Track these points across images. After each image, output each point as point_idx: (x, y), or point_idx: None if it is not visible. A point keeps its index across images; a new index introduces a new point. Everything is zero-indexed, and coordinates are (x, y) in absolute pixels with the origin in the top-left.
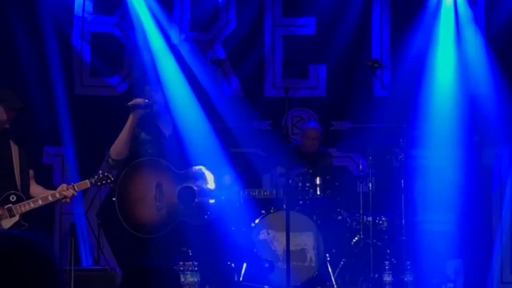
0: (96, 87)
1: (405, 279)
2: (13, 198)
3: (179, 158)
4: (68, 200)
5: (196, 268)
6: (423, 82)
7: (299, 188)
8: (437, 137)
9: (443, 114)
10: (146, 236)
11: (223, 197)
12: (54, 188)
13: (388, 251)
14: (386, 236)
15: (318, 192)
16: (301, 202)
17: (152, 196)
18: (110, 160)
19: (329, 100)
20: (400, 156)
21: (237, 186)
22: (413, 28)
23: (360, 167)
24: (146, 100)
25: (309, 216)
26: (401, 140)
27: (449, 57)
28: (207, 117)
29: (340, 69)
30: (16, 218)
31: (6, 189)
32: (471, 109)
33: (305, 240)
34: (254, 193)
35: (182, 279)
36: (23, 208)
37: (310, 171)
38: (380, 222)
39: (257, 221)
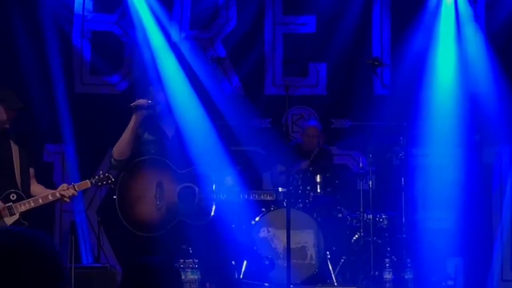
0: (96, 85)
1: (406, 276)
2: (13, 196)
3: (181, 159)
4: (67, 200)
5: (196, 266)
6: (424, 80)
7: (299, 186)
8: (438, 135)
9: (443, 112)
10: (145, 234)
11: (223, 197)
12: (54, 185)
13: (389, 248)
14: (386, 234)
15: (319, 190)
16: (301, 200)
17: (152, 195)
18: (112, 160)
19: (329, 98)
20: (400, 154)
21: (238, 187)
22: (414, 26)
23: (361, 165)
24: (149, 101)
25: (309, 214)
26: (401, 138)
27: (450, 55)
28: (208, 115)
29: (340, 67)
30: (16, 217)
31: (7, 188)
32: (471, 107)
33: (306, 238)
34: (254, 195)
35: (183, 277)
36: (23, 207)
37: (311, 168)
38: (381, 220)
39: (257, 219)
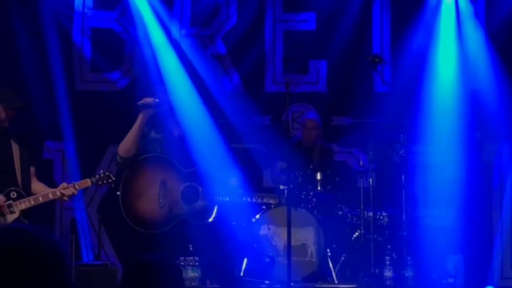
0: (97, 83)
1: (406, 274)
2: (13, 194)
3: (186, 158)
4: (67, 199)
5: (196, 263)
6: (424, 77)
7: (300, 184)
8: (438, 133)
9: (444, 110)
10: (147, 231)
11: (227, 199)
12: (54, 182)
13: (389, 246)
14: (386, 232)
15: (319, 188)
16: (301, 197)
17: (155, 193)
18: (117, 157)
19: (330, 96)
20: (400, 152)
21: (241, 190)
22: (414, 23)
23: (361, 162)
24: (156, 100)
25: (310, 212)
26: (401, 135)
27: (450, 52)
28: (209, 113)
29: (341, 64)
30: (16, 215)
31: (7, 186)
32: (471, 104)
33: (306, 235)
34: (257, 198)
35: (183, 274)
36: (23, 205)
37: (311, 166)
38: (381, 217)
39: (257, 216)
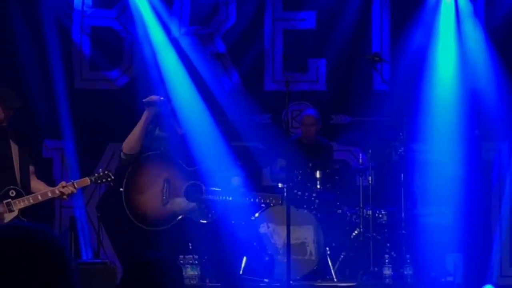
0: (96, 81)
1: (405, 272)
2: (12, 193)
3: (189, 156)
4: (66, 197)
5: (196, 262)
6: (423, 75)
7: (299, 182)
8: (437, 131)
9: (443, 108)
10: (149, 228)
11: (230, 198)
12: (53, 181)
13: (388, 244)
14: (385, 230)
15: (318, 186)
16: (301, 196)
17: (159, 190)
18: (122, 154)
19: (329, 94)
20: (400, 150)
21: (244, 189)
22: (413, 22)
23: (360, 160)
24: (161, 98)
25: (309, 210)
26: (401, 133)
27: (449, 51)
28: (208, 111)
29: (340, 63)
30: (15, 213)
31: (6, 185)
32: (471, 103)
33: (305, 234)
34: (260, 199)
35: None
36: (22, 204)
37: (310, 164)
38: (380, 215)
39: (257, 214)
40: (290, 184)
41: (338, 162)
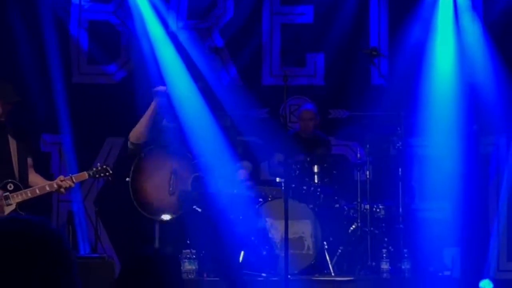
0: (94, 75)
1: (402, 267)
2: (10, 186)
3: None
4: (63, 191)
5: (194, 256)
6: (421, 70)
7: (297, 176)
8: (435, 126)
9: (441, 103)
10: (155, 218)
11: (235, 191)
12: (51, 175)
13: (386, 239)
14: (383, 224)
15: (316, 180)
16: (299, 190)
17: (166, 180)
18: (129, 143)
19: (327, 89)
20: (397, 145)
21: (249, 182)
22: (411, 16)
23: (358, 155)
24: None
25: (306, 204)
26: (398, 128)
27: (447, 45)
28: (207, 105)
29: (338, 58)
30: (13, 207)
31: (4, 178)
32: (469, 97)
33: (303, 228)
34: (263, 191)
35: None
36: (20, 197)
37: (308, 159)
38: (378, 210)
39: None
40: (288, 178)
41: (336, 157)
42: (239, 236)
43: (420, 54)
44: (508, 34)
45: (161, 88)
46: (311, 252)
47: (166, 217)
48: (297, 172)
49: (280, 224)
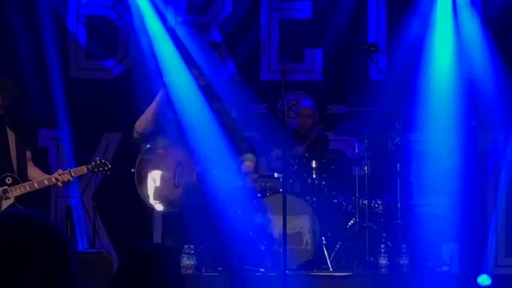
0: (91, 70)
1: (401, 262)
2: (8, 180)
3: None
4: (60, 184)
5: (192, 251)
6: (420, 65)
7: (295, 172)
8: (433, 121)
9: (439, 98)
10: (161, 210)
11: (240, 184)
12: (49, 170)
13: (384, 234)
14: (381, 220)
15: (314, 176)
16: (297, 185)
17: (171, 173)
18: (134, 133)
19: (325, 84)
20: (396, 140)
21: (255, 174)
22: (410, 11)
23: (356, 150)
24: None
25: (305, 199)
26: (397, 123)
27: (446, 40)
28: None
29: (336, 53)
30: (11, 201)
31: (2, 172)
32: (467, 93)
33: (301, 223)
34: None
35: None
36: (18, 191)
37: (306, 154)
38: (376, 205)
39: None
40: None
41: (334, 152)
42: (237, 231)
43: (418, 49)
44: (507, 30)
45: (168, 78)
46: (309, 247)
47: (159, 207)
48: (295, 167)
49: (278, 219)
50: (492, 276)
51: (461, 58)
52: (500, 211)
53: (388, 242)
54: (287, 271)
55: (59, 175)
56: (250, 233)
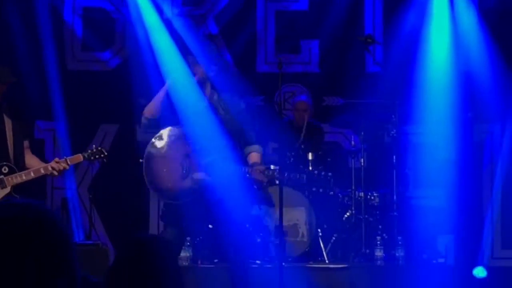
0: (88, 62)
1: (397, 254)
2: (5, 169)
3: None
4: (56, 173)
5: (188, 243)
6: (416, 57)
7: (291, 164)
8: (430, 113)
9: (435, 90)
10: (168, 201)
11: (248, 175)
12: (45, 161)
13: (380, 226)
14: (377, 212)
15: (310, 168)
16: (293, 177)
17: (179, 164)
18: (143, 118)
19: (322, 76)
20: (392, 132)
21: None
22: (406, 3)
23: (352, 142)
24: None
25: (301, 192)
26: (393, 116)
27: (443, 32)
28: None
29: (333, 45)
30: (8, 190)
31: None
32: (464, 85)
33: (297, 216)
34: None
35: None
36: (14, 180)
37: (303, 146)
38: (372, 197)
39: None
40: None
41: (330, 144)
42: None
43: (415, 41)
44: (504, 21)
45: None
46: (305, 239)
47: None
48: (292, 159)
49: (275, 212)
50: (488, 268)
51: (457, 50)
52: (496, 203)
53: (384, 234)
54: (283, 263)
55: (56, 163)
56: (247, 225)
